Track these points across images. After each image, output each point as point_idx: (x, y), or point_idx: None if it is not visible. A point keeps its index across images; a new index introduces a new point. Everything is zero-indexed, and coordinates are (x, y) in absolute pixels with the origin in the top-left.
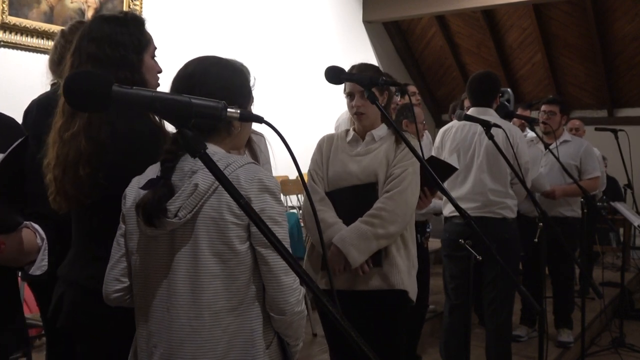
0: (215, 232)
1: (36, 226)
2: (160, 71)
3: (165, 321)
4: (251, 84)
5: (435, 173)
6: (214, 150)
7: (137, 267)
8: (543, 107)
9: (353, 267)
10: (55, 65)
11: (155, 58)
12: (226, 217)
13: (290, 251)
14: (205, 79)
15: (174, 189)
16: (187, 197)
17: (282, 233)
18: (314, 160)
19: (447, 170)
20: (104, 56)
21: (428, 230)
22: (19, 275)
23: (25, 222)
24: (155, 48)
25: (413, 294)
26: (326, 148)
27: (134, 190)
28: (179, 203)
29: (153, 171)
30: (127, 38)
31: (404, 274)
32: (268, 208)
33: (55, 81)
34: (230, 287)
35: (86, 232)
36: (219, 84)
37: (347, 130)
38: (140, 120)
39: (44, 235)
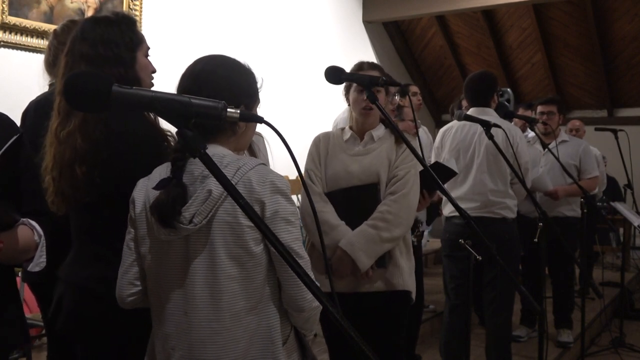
0: (230, 236)
1: (33, 223)
2: (154, 71)
3: (183, 324)
4: (258, 85)
5: (436, 176)
6: (223, 152)
7: (151, 271)
8: (540, 108)
9: (362, 272)
10: (50, 67)
11: (149, 57)
12: (241, 221)
13: (305, 250)
14: (212, 78)
15: (187, 190)
16: (202, 204)
17: (296, 233)
18: (311, 159)
19: (447, 174)
20: (97, 55)
21: (421, 229)
22: (19, 275)
23: (22, 220)
24: (149, 48)
25: (414, 293)
26: (323, 147)
27: (142, 194)
28: (193, 209)
29: (160, 172)
30: (119, 36)
31: (407, 274)
32: (281, 209)
33: (53, 82)
34: (248, 287)
35: (84, 231)
36: (225, 84)
37: (343, 129)
38: (135, 120)
39: (41, 232)
